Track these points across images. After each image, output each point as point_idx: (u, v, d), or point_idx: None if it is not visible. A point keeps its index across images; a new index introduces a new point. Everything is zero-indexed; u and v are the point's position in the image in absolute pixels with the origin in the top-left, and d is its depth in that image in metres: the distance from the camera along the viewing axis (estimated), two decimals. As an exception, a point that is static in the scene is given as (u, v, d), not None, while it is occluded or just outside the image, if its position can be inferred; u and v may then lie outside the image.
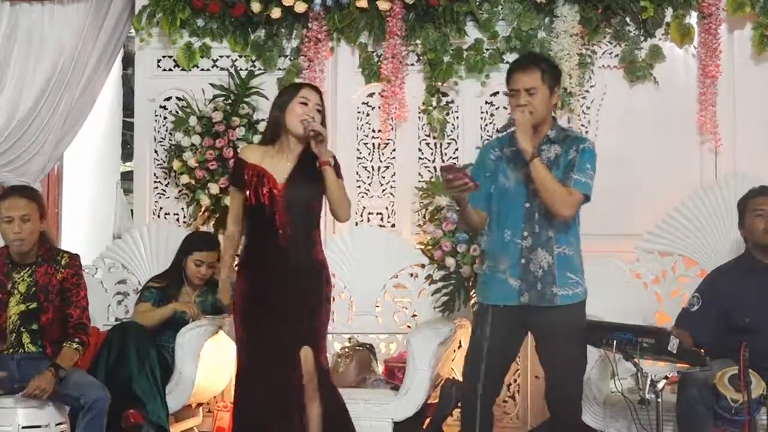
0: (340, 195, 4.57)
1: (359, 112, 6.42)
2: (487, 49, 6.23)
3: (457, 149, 6.28)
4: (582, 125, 6.14)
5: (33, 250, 5.00)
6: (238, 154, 4.88)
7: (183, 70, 6.55)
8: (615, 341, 4.22)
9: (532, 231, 4.38)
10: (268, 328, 4.54)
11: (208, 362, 5.42)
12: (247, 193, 4.57)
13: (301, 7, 6.24)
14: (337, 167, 4.60)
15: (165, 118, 6.56)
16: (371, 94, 6.41)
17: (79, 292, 5.05)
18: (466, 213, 4.45)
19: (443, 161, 6.26)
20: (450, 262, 5.80)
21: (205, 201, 6.26)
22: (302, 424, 4.49)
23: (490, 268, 4.51)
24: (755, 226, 4.80)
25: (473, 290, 5.77)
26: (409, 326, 5.86)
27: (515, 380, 6.03)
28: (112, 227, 8.36)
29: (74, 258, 5.12)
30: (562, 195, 4.33)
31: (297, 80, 6.31)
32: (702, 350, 4.37)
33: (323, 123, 4.62)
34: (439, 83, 6.25)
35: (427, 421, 5.43)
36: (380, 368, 5.61)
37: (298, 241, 4.54)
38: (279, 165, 4.59)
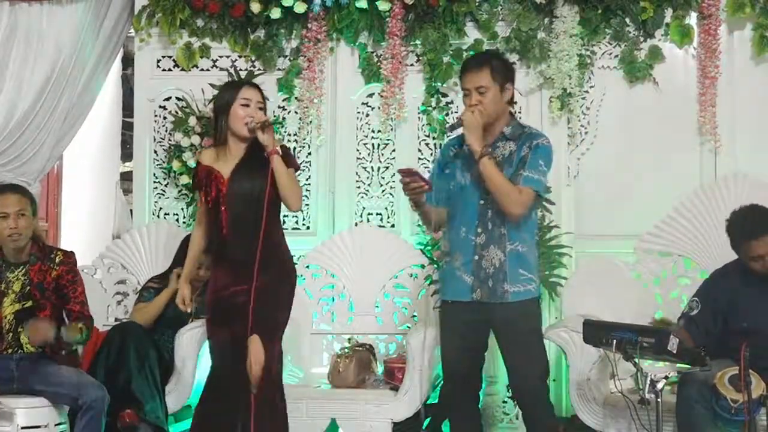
0: (288, 183, 4.54)
1: (359, 113, 6.42)
2: (486, 50, 6.23)
3: (456, 149, 6.27)
4: (582, 126, 6.14)
5: (26, 248, 4.99)
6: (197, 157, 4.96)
7: (182, 70, 6.54)
8: (615, 341, 4.21)
9: (486, 228, 4.41)
10: (221, 323, 4.62)
11: (208, 362, 5.41)
12: (202, 194, 4.67)
13: (300, 8, 6.23)
14: (288, 156, 4.62)
15: (164, 118, 6.56)
16: (371, 95, 6.41)
17: (76, 288, 5.04)
18: (423, 214, 4.56)
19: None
20: (449, 262, 5.81)
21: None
22: (243, 408, 4.53)
23: (447, 264, 4.57)
24: (753, 268, 4.76)
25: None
26: (408, 326, 5.85)
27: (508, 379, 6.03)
28: (112, 227, 8.37)
29: (68, 255, 5.12)
30: (512, 193, 4.34)
31: (297, 81, 6.33)
32: (702, 350, 4.37)
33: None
34: (439, 84, 6.25)
35: (427, 421, 5.43)
36: (380, 368, 5.61)
37: (246, 236, 4.54)
38: (228, 164, 4.63)
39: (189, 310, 4.91)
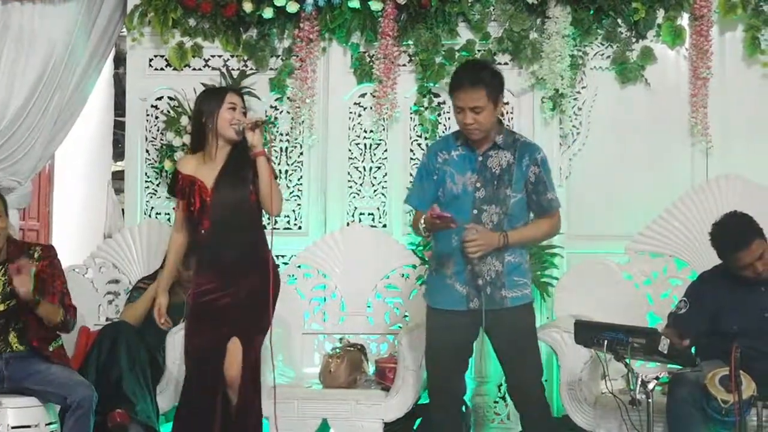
0: (274, 187, 4.55)
1: (351, 113, 6.42)
2: (479, 50, 6.23)
3: (448, 150, 6.27)
4: (573, 126, 6.15)
5: (2, 248, 4.95)
6: (176, 165, 4.95)
7: (174, 69, 6.53)
8: (606, 341, 4.22)
9: None
10: (203, 327, 4.62)
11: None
12: (184, 202, 4.68)
13: (293, 8, 6.23)
14: (270, 163, 4.63)
15: (156, 117, 6.55)
16: (363, 95, 6.41)
17: (54, 281, 4.99)
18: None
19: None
20: (441, 262, 5.82)
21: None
22: (221, 410, 4.55)
23: (436, 272, 4.56)
24: (744, 276, 4.75)
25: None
26: (400, 327, 5.85)
27: (506, 382, 6.01)
28: (103, 227, 8.36)
29: (47, 249, 5.09)
30: (551, 232, 4.64)
31: (289, 80, 6.33)
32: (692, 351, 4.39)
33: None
34: (431, 84, 6.25)
35: (418, 421, 5.43)
36: (371, 369, 5.61)
37: (229, 242, 4.57)
38: (211, 171, 4.62)
39: (164, 325, 4.90)
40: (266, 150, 4.54)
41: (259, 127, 4.53)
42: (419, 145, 6.32)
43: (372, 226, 6.31)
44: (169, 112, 6.45)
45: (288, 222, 6.41)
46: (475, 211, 4.41)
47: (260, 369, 4.68)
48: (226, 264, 4.57)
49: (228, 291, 4.56)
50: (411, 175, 6.26)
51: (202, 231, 4.60)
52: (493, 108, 4.40)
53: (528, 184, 4.46)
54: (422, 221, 4.35)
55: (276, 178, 4.73)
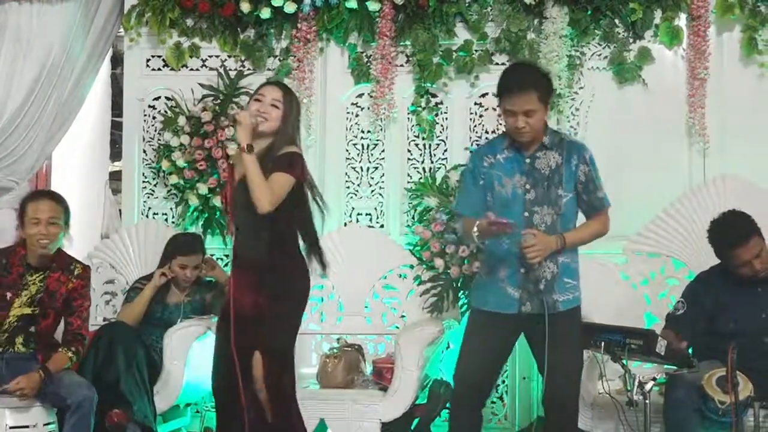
0: (254, 183, 4.31)
1: (348, 113, 6.42)
2: (476, 51, 6.24)
3: (446, 150, 6.28)
4: (571, 127, 6.15)
5: (49, 255, 4.98)
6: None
7: (172, 69, 6.53)
8: (603, 342, 4.22)
9: None
10: (226, 330, 4.44)
11: (196, 362, 5.41)
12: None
13: (290, 8, 6.23)
14: (283, 161, 4.43)
15: (154, 117, 6.55)
16: (360, 95, 6.41)
17: (83, 303, 5.04)
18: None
19: (432, 162, 6.26)
20: (439, 262, 5.82)
21: (194, 201, 6.26)
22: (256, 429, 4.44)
23: (487, 275, 4.49)
24: (741, 274, 4.76)
25: (461, 291, 5.79)
26: (397, 327, 5.85)
27: (503, 381, 6.03)
28: (101, 227, 8.34)
29: (86, 269, 5.13)
30: (602, 231, 4.54)
31: (286, 80, 6.32)
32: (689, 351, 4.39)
33: (286, 118, 4.51)
34: (429, 84, 6.25)
35: (416, 421, 5.44)
36: (368, 369, 5.61)
37: (249, 244, 4.44)
38: (241, 166, 4.47)
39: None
40: (246, 147, 4.31)
41: (237, 123, 4.38)
42: (416, 145, 6.32)
43: (369, 227, 6.31)
44: (166, 112, 6.45)
45: (286, 222, 6.40)
46: (527, 214, 4.35)
47: (285, 378, 4.50)
48: (249, 266, 4.44)
49: (251, 298, 4.42)
50: (409, 175, 6.29)
51: (232, 231, 4.52)
52: (544, 110, 4.37)
53: (578, 184, 4.42)
54: (475, 229, 4.24)
55: (295, 176, 4.46)
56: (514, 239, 4.30)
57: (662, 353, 4.12)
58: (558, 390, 4.35)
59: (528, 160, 4.41)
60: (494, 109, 6.14)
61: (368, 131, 6.37)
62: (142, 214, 6.54)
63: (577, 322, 4.44)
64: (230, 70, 6.42)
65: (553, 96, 4.46)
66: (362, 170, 6.39)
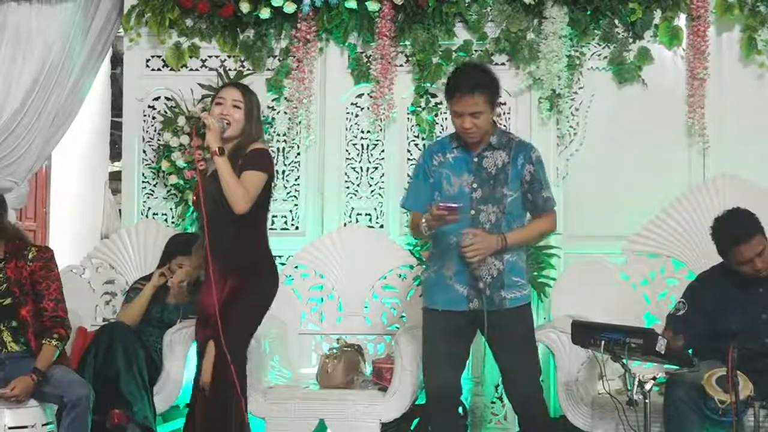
0: (228, 186, 4.41)
1: (348, 113, 6.42)
2: (476, 51, 6.24)
3: (445, 150, 6.27)
4: (570, 127, 6.15)
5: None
6: None
7: (172, 70, 6.53)
8: (603, 342, 4.22)
9: None
10: (202, 324, 4.61)
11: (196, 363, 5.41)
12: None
13: (290, 8, 6.23)
14: (254, 159, 4.53)
15: (153, 118, 6.55)
16: (360, 95, 6.41)
17: (50, 285, 4.93)
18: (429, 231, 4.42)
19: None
20: (439, 263, 5.82)
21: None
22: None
23: (436, 272, 4.55)
24: (743, 272, 4.76)
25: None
26: (397, 327, 5.85)
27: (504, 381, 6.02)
28: (100, 227, 8.36)
29: (42, 250, 5.04)
30: (548, 229, 4.63)
31: (286, 81, 6.32)
32: (690, 351, 4.39)
33: (249, 117, 4.63)
34: (428, 84, 6.25)
35: (415, 422, 5.43)
36: (368, 369, 5.61)
37: (217, 240, 4.48)
38: (211, 166, 4.58)
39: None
40: (218, 149, 4.42)
41: (206, 129, 4.47)
42: (416, 145, 6.31)
43: (369, 227, 6.30)
44: (166, 112, 6.44)
45: (285, 222, 6.41)
46: (473, 212, 4.40)
47: (232, 374, 4.45)
48: (219, 261, 4.50)
49: (219, 291, 4.50)
50: (408, 175, 6.27)
51: (203, 227, 4.56)
52: (491, 111, 4.43)
53: (524, 183, 4.47)
54: (424, 220, 4.32)
55: (266, 173, 4.58)
56: (461, 237, 4.36)
57: (662, 352, 4.12)
58: (518, 386, 4.48)
59: (475, 159, 4.47)
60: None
61: (368, 131, 6.36)
62: (142, 214, 6.53)
63: (527, 319, 4.54)
64: (230, 70, 6.42)
65: (499, 95, 4.47)
66: (362, 170, 6.39)
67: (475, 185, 4.44)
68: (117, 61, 7.75)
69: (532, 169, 4.48)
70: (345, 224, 6.31)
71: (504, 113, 6.17)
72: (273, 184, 4.77)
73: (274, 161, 6.21)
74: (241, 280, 4.53)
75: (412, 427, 5.45)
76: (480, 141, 4.46)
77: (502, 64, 6.15)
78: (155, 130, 6.52)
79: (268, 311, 4.69)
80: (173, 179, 6.33)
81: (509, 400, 4.67)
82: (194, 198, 4.66)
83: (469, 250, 4.31)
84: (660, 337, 4.15)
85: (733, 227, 4.72)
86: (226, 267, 4.52)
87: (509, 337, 4.44)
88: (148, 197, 6.56)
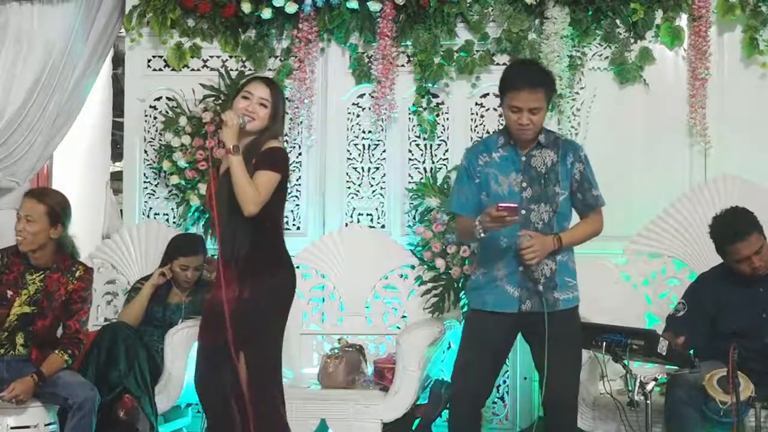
0: (239, 186, 4.29)
1: (349, 113, 6.42)
2: (477, 51, 6.24)
3: (447, 151, 6.28)
4: (572, 127, 6.14)
5: (48, 255, 4.97)
6: None
7: (173, 70, 6.53)
8: (604, 342, 4.22)
9: None
10: (212, 328, 4.44)
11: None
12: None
13: (291, 8, 6.23)
14: (267, 158, 4.41)
15: (155, 118, 6.55)
16: (361, 95, 6.41)
17: (83, 306, 5.02)
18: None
19: (433, 162, 6.26)
20: (440, 263, 5.83)
21: (195, 201, 6.26)
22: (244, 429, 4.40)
23: (484, 275, 4.45)
24: (740, 270, 4.77)
25: (462, 292, 5.78)
26: (398, 327, 5.86)
27: (504, 381, 6.03)
28: (102, 227, 8.35)
29: (88, 271, 5.10)
30: (599, 229, 4.54)
31: (287, 81, 6.32)
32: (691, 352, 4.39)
33: (274, 116, 4.50)
34: (430, 84, 6.25)
35: (417, 422, 5.44)
36: (370, 369, 5.61)
37: (233, 238, 4.37)
38: (226, 163, 4.44)
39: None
40: (233, 148, 4.29)
41: (224, 125, 4.35)
42: (417, 145, 6.32)
43: (370, 227, 6.31)
44: (167, 112, 6.45)
45: (286, 222, 6.39)
46: (524, 212, 4.31)
47: (270, 377, 4.44)
48: (230, 262, 4.38)
49: (232, 294, 4.37)
50: (410, 175, 6.29)
51: (215, 226, 4.44)
52: (546, 110, 4.39)
53: (573, 182, 4.42)
54: (478, 222, 4.21)
55: (279, 172, 4.45)
56: (511, 239, 4.30)
57: (663, 353, 4.12)
58: (558, 389, 4.31)
59: (524, 158, 4.40)
60: (495, 110, 6.14)
61: (369, 131, 6.37)
62: (143, 214, 6.54)
63: (576, 321, 4.43)
64: (231, 70, 6.42)
65: (555, 95, 4.45)
66: (363, 170, 6.39)
67: (524, 184, 4.36)
68: (118, 61, 7.74)
69: (582, 168, 4.44)
70: (346, 224, 6.31)
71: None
72: (288, 184, 4.64)
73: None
74: (260, 282, 4.40)
75: (413, 428, 5.44)
76: (529, 139, 4.40)
77: (504, 64, 6.13)
78: (156, 131, 6.53)
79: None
80: (174, 179, 6.33)
81: (544, 403, 4.40)
82: (208, 198, 4.50)
83: (527, 252, 4.24)
84: (661, 338, 4.16)
85: (730, 225, 4.74)
86: (244, 269, 4.38)
87: (559, 339, 4.28)
88: (150, 197, 6.56)
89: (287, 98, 6.32)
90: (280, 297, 4.51)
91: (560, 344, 4.28)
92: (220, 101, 6.32)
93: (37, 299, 4.93)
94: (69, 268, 5.02)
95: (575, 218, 4.54)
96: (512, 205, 4.14)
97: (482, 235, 4.25)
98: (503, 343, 4.47)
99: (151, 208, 6.55)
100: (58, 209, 4.99)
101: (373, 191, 6.37)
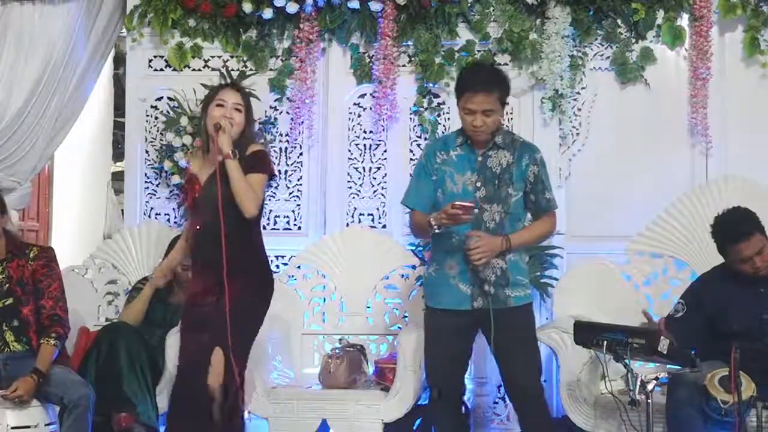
0: (240, 189, 4.38)
1: (350, 113, 6.42)
2: (478, 51, 6.24)
3: (448, 150, 6.27)
4: (573, 127, 6.15)
5: (0, 246, 4.97)
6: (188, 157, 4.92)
7: (174, 70, 6.53)
8: (605, 342, 4.22)
9: None
10: (193, 330, 4.52)
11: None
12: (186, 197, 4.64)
13: (292, 8, 6.23)
14: (259, 161, 4.52)
15: (156, 118, 6.55)
16: (363, 95, 6.41)
17: (50, 284, 4.98)
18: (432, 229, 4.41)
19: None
20: (441, 263, 5.83)
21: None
22: (211, 425, 4.42)
23: (437, 272, 4.55)
24: (742, 271, 4.76)
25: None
26: (399, 327, 5.85)
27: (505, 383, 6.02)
28: (103, 227, 8.35)
29: (44, 250, 5.10)
30: (550, 232, 4.66)
31: (288, 81, 6.32)
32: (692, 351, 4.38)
33: (248, 119, 4.60)
34: (431, 84, 6.25)
35: (418, 422, 5.43)
36: (371, 369, 5.61)
37: (211, 243, 4.41)
38: (208, 170, 4.55)
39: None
40: (230, 153, 4.38)
41: (220, 130, 4.42)
42: (419, 145, 6.31)
43: (371, 227, 6.31)
44: (168, 112, 6.44)
45: (287, 222, 6.41)
46: (476, 210, 4.39)
47: (240, 365, 4.47)
48: (210, 265, 4.44)
49: (213, 296, 4.45)
50: (411, 176, 6.26)
51: (197, 229, 4.55)
52: (501, 110, 4.48)
53: (527, 183, 4.49)
54: (433, 218, 4.32)
55: (271, 175, 4.62)
56: (463, 237, 4.38)
57: (665, 353, 4.11)
58: (518, 379, 4.49)
59: (480, 158, 4.49)
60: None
61: (370, 131, 6.37)
62: (145, 214, 6.54)
63: (530, 318, 4.57)
64: (232, 70, 6.40)
65: (509, 94, 4.50)
66: (364, 170, 6.39)
67: (479, 184, 4.45)
68: (120, 61, 7.74)
69: (536, 170, 4.50)
70: (347, 224, 6.31)
71: (507, 113, 6.15)
72: (270, 185, 4.79)
73: (277, 161, 6.26)
74: (243, 286, 4.46)
75: (414, 427, 5.44)
76: (486, 140, 4.48)
77: (505, 64, 6.14)
78: (158, 131, 6.52)
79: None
80: (176, 179, 6.33)
81: (510, 399, 4.69)
82: (190, 202, 4.61)
83: (474, 253, 4.34)
84: (662, 337, 4.15)
85: (732, 225, 4.73)
86: (219, 274, 4.41)
87: (512, 336, 4.44)
88: (151, 197, 6.56)
89: (288, 98, 6.35)
90: (261, 297, 4.60)
91: (515, 341, 4.45)
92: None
93: (6, 290, 4.90)
94: (22, 251, 5.00)
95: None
96: (468, 204, 4.24)
97: (437, 231, 4.35)
98: (462, 340, 4.58)
99: (152, 209, 6.55)
100: (2, 198, 5.06)
101: (374, 191, 6.37)
